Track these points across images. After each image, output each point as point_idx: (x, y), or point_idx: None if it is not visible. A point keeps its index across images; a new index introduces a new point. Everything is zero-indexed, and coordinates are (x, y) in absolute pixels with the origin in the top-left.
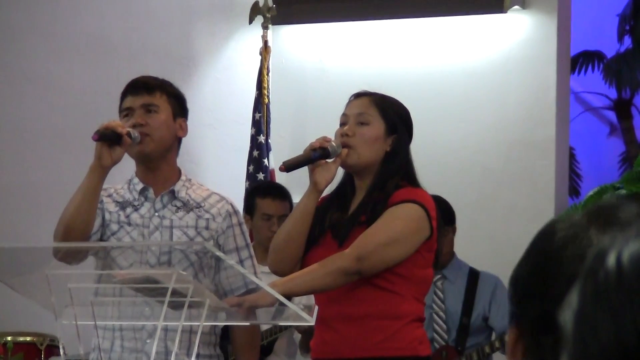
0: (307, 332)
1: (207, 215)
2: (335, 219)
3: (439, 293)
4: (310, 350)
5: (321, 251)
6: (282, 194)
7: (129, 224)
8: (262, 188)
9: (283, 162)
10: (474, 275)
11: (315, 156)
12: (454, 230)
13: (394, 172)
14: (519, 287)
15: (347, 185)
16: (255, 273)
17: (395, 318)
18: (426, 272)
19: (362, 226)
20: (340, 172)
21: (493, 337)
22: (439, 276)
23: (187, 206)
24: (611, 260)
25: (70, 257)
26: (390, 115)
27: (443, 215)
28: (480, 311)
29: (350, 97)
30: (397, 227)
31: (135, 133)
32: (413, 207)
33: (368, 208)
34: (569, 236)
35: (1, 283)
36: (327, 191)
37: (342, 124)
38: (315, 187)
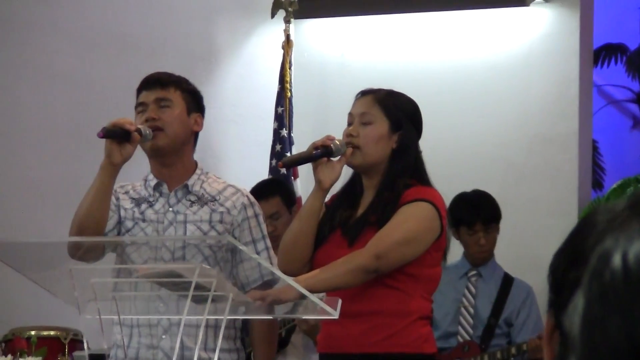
0: (317, 325)
1: (221, 209)
2: (345, 217)
3: (472, 288)
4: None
5: (331, 249)
6: (265, 192)
7: (144, 220)
8: None
9: (282, 159)
10: (507, 281)
11: (317, 154)
12: (497, 229)
13: (402, 170)
14: (555, 273)
15: (355, 183)
16: (271, 265)
17: (402, 316)
18: (434, 270)
19: (373, 226)
20: (348, 171)
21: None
22: (474, 272)
23: (201, 200)
24: (616, 260)
25: (88, 256)
26: (393, 112)
27: (491, 213)
28: (507, 316)
29: (357, 95)
30: (412, 226)
31: (146, 130)
32: (425, 206)
33: (378, 208)
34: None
35: (25, 278)
36: (335, 188)
37: (349, 124)
38: (319, 185)
